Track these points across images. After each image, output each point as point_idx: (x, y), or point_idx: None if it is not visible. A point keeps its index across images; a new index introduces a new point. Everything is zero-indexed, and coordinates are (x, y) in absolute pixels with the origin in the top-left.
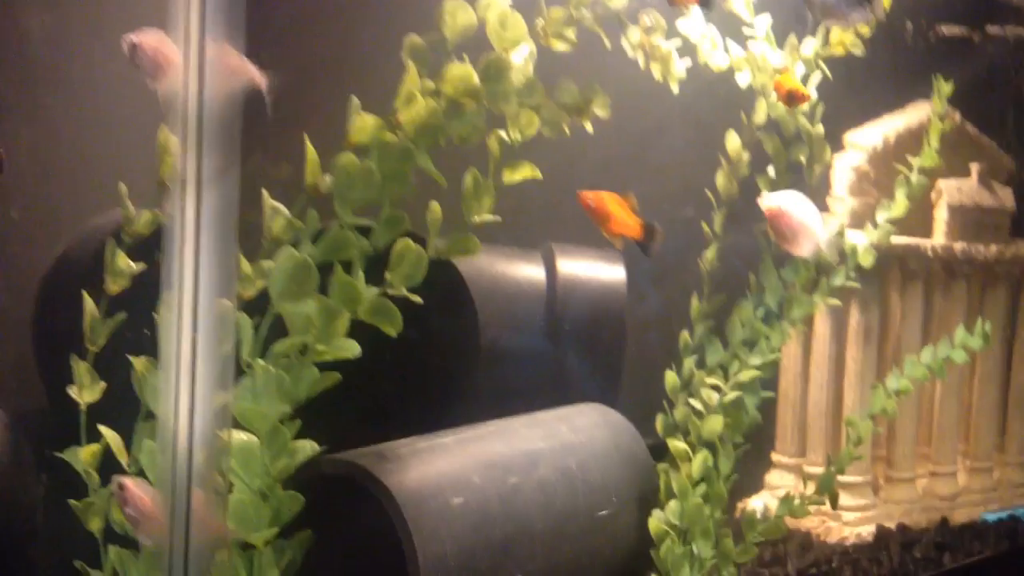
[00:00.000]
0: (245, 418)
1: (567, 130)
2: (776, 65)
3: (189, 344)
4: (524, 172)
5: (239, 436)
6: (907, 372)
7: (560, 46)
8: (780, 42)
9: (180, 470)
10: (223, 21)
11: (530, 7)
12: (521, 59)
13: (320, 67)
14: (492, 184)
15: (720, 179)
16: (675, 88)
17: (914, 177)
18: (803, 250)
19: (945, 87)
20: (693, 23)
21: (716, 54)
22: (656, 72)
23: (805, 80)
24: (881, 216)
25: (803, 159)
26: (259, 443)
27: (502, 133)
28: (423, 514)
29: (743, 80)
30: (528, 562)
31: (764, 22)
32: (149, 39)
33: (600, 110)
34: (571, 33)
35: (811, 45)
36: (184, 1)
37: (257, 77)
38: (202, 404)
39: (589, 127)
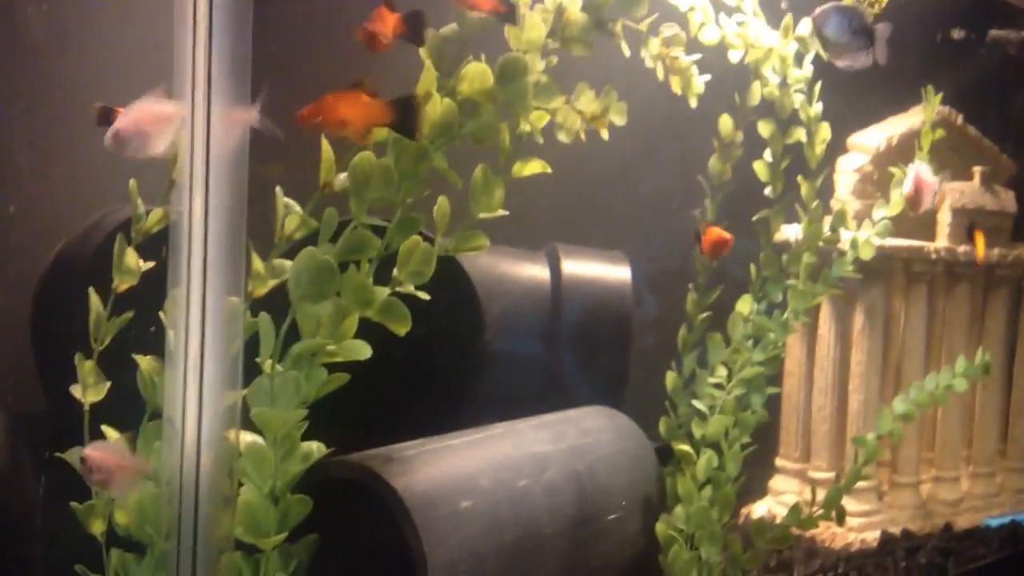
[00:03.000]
0: (263, 422)
1: (583, 135)
2: (770, 44)
3: (197, 343)
4: (534, 167)
5: (248, 437)
6: (911, 397)
7: (579, 51)
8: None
9: (188, 471)
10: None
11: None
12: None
13: (334, 64)
14: (502, 179)
15: (713, 163)
16: (693, 102)
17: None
18: (921, 208)
19: (934, 96)
20: None
21: (708, 29)
22: (675, 86)
23: (800, 60)
24: (879, 213)
25: (803, 139)
26: (270, 445)
27: (518, 125)
28: (432, 518)
29: (735, 57)
30: (537, 568)
31: (752, 2)
32: (125, 123)
33: (617, 117)
34: (591, 38)
35: (807, 25)
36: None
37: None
38: (210, 404)
39: (605, 134)
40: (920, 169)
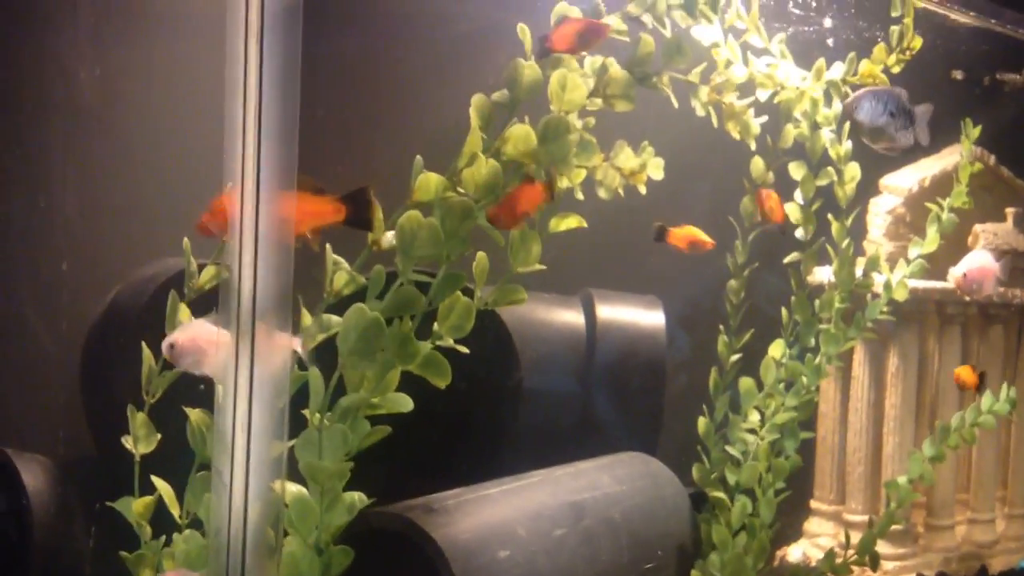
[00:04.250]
0: (311, 473)
1: (621, 192)
2: (800, 85)
3: (246, 396)
4: (571, 222)
5: (293, 489)
6: (941, 440)
7: (622, 107)
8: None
9: (236, 522)
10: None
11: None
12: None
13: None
14: (539, 234)
15: (745, 203)
16: (752, 145)
17: (944, 215)
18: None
19: (973, 129)
20: (709, 32)
21: (735, 67)
22: (733, 131)
23: (829, 102)
24: (914, 252)
25: (833, 178)
26: (315, 497)
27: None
28: (471, 568)
29: (763, 96)
30: None
31: (778, 43)
32: (182, 338)
33: (655, 172)
34: (633, 93)
35: (838, 70)
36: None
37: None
38: (258, 456)
39: (643, 190)
40: (978, 257)
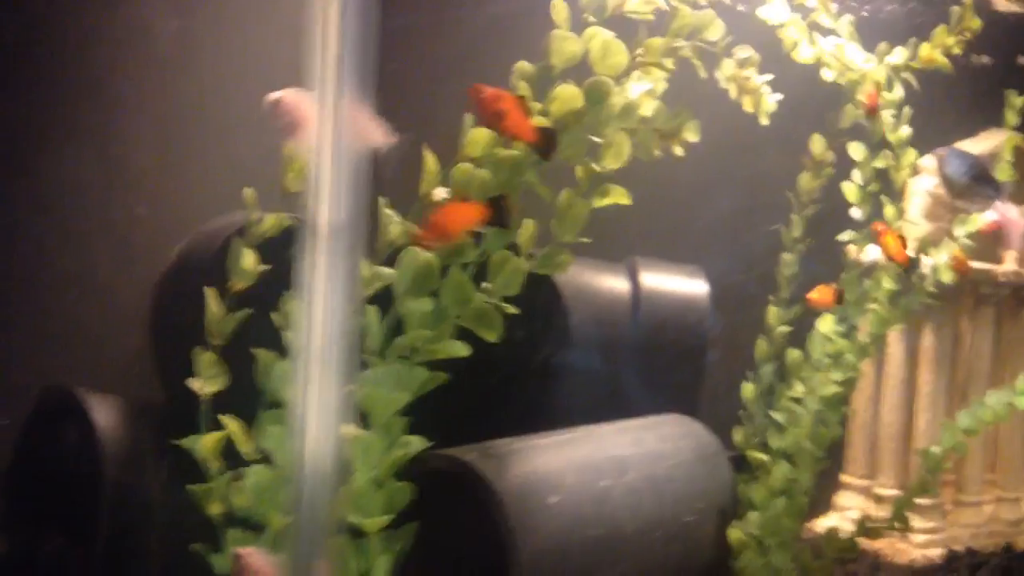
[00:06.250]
0: (369, 404)
1: (658, 154)
2: (862, 67)
3: (321, 338)
4: (615, 197)
5: (355, 428)
6: (974, 414)
7: (658, 75)
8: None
9: (309, 455)
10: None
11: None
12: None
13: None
14: (584, 205)
15: (804, 180)
16: (764, 121)
17: None
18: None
19: (1017, 100)
20: (775, 10)
21: (802, 47)
22: (748, 105)
23: (889, 87)
24: (959, 231)
25: (890, 162)
26: (375, 433)
27: (592, 164)
28: (523, 511)
29: (828, 76)
30: (617, 565)
31: (846, 24)
32: (290, 97)
33: (691, 135)
34: (670, 63)
35: (899, 54)
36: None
37: (384, 138)
38: (330, 393)
39: (679, 151)
40: (1004, 208)
